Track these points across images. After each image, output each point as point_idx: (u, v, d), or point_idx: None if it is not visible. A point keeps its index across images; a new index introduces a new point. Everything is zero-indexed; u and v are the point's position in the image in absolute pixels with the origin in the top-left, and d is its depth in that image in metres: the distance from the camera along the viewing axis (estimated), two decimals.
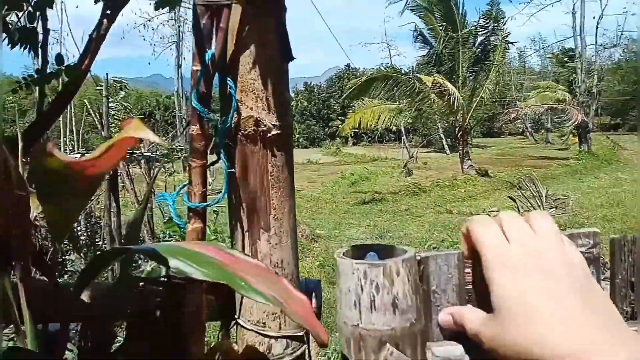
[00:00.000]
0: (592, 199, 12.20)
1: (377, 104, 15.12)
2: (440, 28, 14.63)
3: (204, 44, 0.68)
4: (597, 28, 22.87)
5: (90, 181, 0.50)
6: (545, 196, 13.09)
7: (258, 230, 0.71)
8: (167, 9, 1.04)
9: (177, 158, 13.18)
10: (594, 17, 22.94)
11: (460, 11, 14.44)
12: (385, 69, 15.20)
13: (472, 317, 0.50)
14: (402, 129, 39.22)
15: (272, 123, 0.73)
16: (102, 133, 5.72)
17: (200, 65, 0.69)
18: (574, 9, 20.30)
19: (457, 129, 16.05)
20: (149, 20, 30.40)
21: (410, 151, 39.44)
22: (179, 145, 14.20)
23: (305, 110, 62.16)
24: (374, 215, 11.98)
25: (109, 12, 0.87)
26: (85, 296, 0.64)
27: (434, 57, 15.80)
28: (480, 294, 0.54)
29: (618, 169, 18.29)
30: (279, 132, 0.73)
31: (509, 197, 5.49)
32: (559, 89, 23.62)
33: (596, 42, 23.61)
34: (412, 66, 15.95)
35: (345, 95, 15.53)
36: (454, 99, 14.03)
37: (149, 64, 48.98)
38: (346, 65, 50.14)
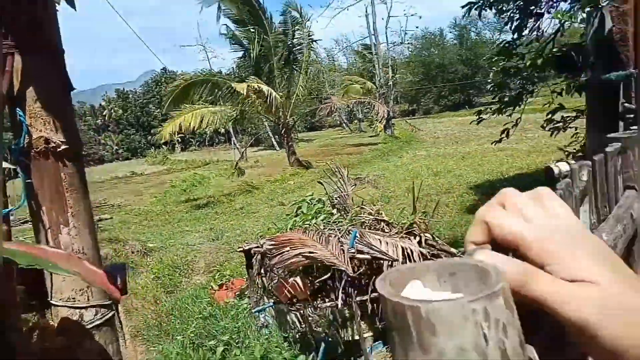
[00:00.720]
0: (397, 175, 14.36)
1: (198, 107, 15.05)
2: (252, 31, 15.26)
3: None
4: (386, 28, 26.79)
5: None
6: (347, 177, 14.99)
7: (58, 226, 0.89)
8: None
9: None
10: (382, 19, 26.85)
11: (267, 15, 15.30)
12: (203, 73, 15.19)
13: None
14: (231, 130, 39.52)
15: (61, 140, 0.92)
16: None
17: None
18: (366, 11, 23.37)
19: (280, 126, 17.00)
20: None
21: (241, 151, 39.98)
22: None
23: (121, 119, 57.34)
24: (210, 219, 12.01)
25: None
26: None
27: (250, 60, 16.37)
28: None
29: (416, 148, 21.74)
30: (67, 146, 0.93)
31: (318, 181, 6.29)
32: (366, 83, 26.77)
33: (387, 41, 27.66)
34: (233, 68, 16.29)
35: (165, 104, 15.01)
36: (272, 99, 14.83)
37: None
38: (162, 69, 47.75)
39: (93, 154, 54.76)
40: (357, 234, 3.31)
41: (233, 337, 3.92)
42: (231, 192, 15.18)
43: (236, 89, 14.38)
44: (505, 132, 5.61)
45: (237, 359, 3.59)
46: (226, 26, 16.18)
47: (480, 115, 5.54)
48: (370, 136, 36.27)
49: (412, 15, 27.75)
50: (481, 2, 5.05)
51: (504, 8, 4.90)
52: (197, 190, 18.87)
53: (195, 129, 15.12)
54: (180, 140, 56.02)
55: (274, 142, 40.79)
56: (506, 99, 5.32)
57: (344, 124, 49.05)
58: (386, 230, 3.58)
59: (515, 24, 5.02)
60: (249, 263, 4.22)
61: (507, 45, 5.39)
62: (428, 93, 48.77)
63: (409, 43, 39.18)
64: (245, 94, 14.16)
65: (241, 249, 4.22)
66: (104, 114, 58.30)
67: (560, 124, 5.22)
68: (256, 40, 15.24)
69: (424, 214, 4.11)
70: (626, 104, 1.49)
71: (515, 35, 5.11)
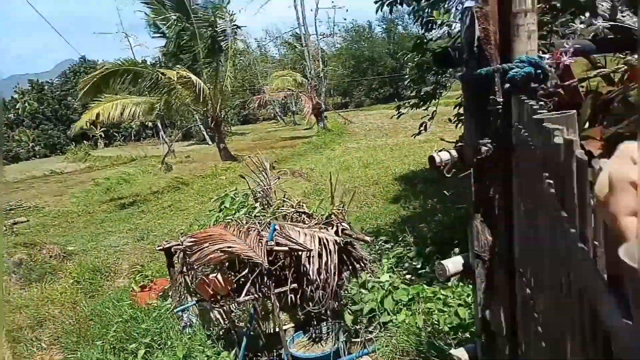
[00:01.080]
0: (329, 168, 14.58)
1: (119, 98, 14.27)
2: (174, 18, 14.63)
3: None
4: (315, 19, 26.87)
5: None
6: (293, 172, 15.10)
7: None
8: None
9: None
10: (311, 10, 26.90)
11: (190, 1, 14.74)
12: (124, 62, 14.41)
13: None
14: (159, 124, 37.94)
15: None
16: None
17: None
18: (294, 2, 23.34)
19: (210, 120, 16.61)
20: None
21: (169, 145, 38.54)
22: None
23: (37, 113, 52.96)
24: (135, 218, 11.53)
25: None
26: None
27: (173, 49, 15.72)
28: None
29: (348, 141, 22.20)
30: None
31: (240, 175, 6.32)
32: (296, 75, 26.80)
33: (317, 32, 27.82)
34: (158, 57, 15.53)
35: (79, 94, 14.06)
36: (200, 89, 14.44)
37: None
38: (81, 58, 44.74)
39: (7, 152, 50.21)
40: (277, 227, 3.36)
41: (155, 338, 3.83)
42: (159, 189, 14.64)
43: (167, 74, 13.80)
44: (423, 125, 5.90)
45: None
46: (145, 13, 15.42)
47: (400, 110, 5.78)
48: (305, 129, 36.42)
49: (339, 7, 27.95)
50: None
51: (414, 4, 5.14)
52: (122, 188, 17.98)
53: (115, 119, 14.36)
54: (103, 135, 52.92)
55: (206, 136, 39.75)
56: (422, 94, 5.59)
57: (279, 117, 48.86)
58: (307, 222, 3.67)
59: (425, 19, 5.29)
60: (170, 262, 4.12)
61: (418, 41, 5.65)
62: (359, 86, 49.84)
63: (338, 35, 39.70)
64: (175, 80, 13.66)
65: (160, 247, 4.11)
66: (16, 107, 53.53)
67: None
68: (175, 27, 14.64)
69: (341, 204, 4.25)
70: (492, 97, 1.66)
71: (423, 31, 5.37)
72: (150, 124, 52.10)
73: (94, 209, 14.44)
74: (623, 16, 2.13)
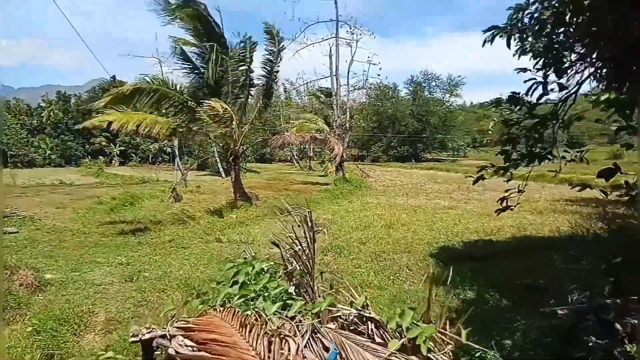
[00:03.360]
0: (348, 222, 13.15)
1: (139, 113, 13.25)
2: (207, 48, 13.79)
3: None
4: (348, 71, 26.34)
5: None
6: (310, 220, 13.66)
7: None
8: None
9: None
10: (346, 61, 26.42)
11: (224, 36, 13.96)
12: (153, 80, 13.45)
13: None
14: (176, 150, 37.12)
15: None
16: None
17: None
18: (330, 51, 22.84)
19: (229, 153, 15.45)
20: None
21: (183, 173, 37.53)
22: None
23: (60, 123, 52.69)
24: (130, 249, 10.06)
25: None
26: None
27: (202, 79, 14.80)
28: None
29: (366, 194, 20.86)
30: None
31: (272, 242, 4.71)
32: (319, 121, 25.90)
33: (348, 83, 27.28)
34: (187, 88, 14.52)
35: (103, 103, 13.02)
36: (227, 117, 13.35)
37: None
38: (112, 77, 44.84)
39: (23, 157, 49.54)
40: (338, 354, 1.96)
41: None
42: (163, 219, 13.23)
43: (212, 105, 12.81)
44: (505, 200, 4.45)
45: None
46: (175, 42, 14.56)
47: (482, 173, 4.37)
48: (320, 175, 35.36)
49: (373, 64, 27.56)
50: (508, 28, 4.05)
51: (537, 46, 3.89)
52: (126, 211, 16.63)
53: (128, 130, 13.24)
54: (119, 153, 52.28)
55: (220, 169, 38.82)
56: (513, 157, 4.22)
57: (294, 160, 48.02)
58: (375, 335, 2.24)
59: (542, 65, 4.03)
60: None
61: (513, 94, 4.42)
62: (378, 142, 49.15)
63: (369, 88, 39.36)
64: (221, 111, 12.67)
65: (135, 337, 2.60)
66: (42, 115, 53.41)
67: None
68: (212, 59, 13.78)
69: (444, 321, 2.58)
70: None
71: (540, 73, 4.08)
72: (168, 149, 51.54)
73: (91, 230, 13.03)
74: None
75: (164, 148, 52.65)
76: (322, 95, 25.23)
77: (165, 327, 2.47)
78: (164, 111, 13.88)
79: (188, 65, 14.28)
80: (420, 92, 49.00)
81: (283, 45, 15.21)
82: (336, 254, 9.31)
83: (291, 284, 2.91)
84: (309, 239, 3.09)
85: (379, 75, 29.22)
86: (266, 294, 2.64)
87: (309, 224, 3.05)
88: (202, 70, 14.32)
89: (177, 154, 36.15)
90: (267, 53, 15.33)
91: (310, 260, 2.95)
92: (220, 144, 16.29)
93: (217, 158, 38.93)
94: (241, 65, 14.75)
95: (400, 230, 11.85)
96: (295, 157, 47.82)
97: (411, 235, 11.10)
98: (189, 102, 13.64)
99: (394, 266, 7.80)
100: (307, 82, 33.95)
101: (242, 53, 14.86)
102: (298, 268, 2.96)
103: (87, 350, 4.58)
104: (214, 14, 13.71)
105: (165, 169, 46.33)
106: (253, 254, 3.60)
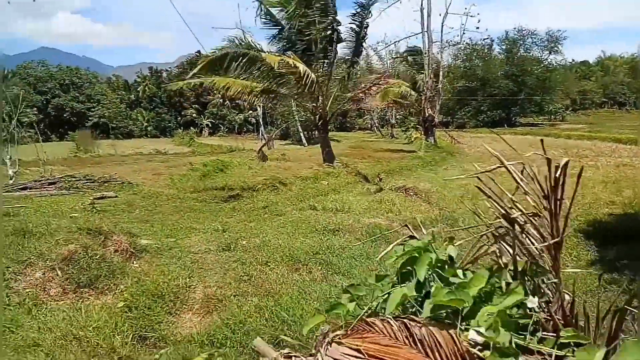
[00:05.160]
0: (451, 191, 11.57)
1: (231, 78, 12.59)
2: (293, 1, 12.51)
3: None
4: (442, 25, 23.62)
5: None
6: (406, 189, 12.25)
7: None
8: None
9: None
10: (439, 14, 23.65)
11: None
12: (240, 43, 12.63)
13: None
14: (260, 120, 37.20)
15: None
16: None
17: None
18: (422, 4, 20.48)
19: (317, 117, 14.35)
20: None
21: (269, 143, 37.59)
22: None
23: (154, 97, 55.53)
24: (225, 215, 9.47)
25: None
26: None
27: (288, 34, 13.59)
28: None
29: (461, 161, 18.88)
30: None
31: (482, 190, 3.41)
32: (403, 85, 23.81)
33: (442, 39, 24.50)
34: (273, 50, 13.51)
35: (196, 69, 12.49)
36: (309, 80, 12.15)
37: None
38: (197, 52, 45.72)
39: (123, 128, 53.18)
40: None
41: None
42: (254, 185, 12.62)
43: (267, 60, 11.74)
44: None
45: None
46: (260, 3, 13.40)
47: None
48: (404, 143, 33.37)
49: (471, 15, 24.08)
50: None
51: None
52: (217, 177, 16.43)
53: (219, 92, 12.68)
54: (210, 124, 54.03)
55: (302, 138, 38.33)
56: None
57: (375, 128, 46.12)
58: None
59: None
60: None
61: None
62: (465, 106, 45.38)
63: (466, 44, 35.56)
64: (277, 67, 11.51)
65: None
66: (138, 89, 56.67)
67: None
68: (293, 11, 12.45)
69: None
70: None
71: None
72: (253, 119, 52.22)
73: (185, 195, 12.82)
74: None
75: (249, 119, 53.49)
76: (409, 57, 22.96)
77: (312, 350, 1.38)
78: (251, 76, 13.04)
79: (274, 26, 13.20)
80: (515, 50, 44.02)
81: None
82: (446, 225, 7.92)
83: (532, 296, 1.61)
84: (555, 205, 1.66)
85: (477, 28, 25.63)
86: (489, 304, 1.44)
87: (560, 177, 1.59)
88: (288, 30, 13.15)
89: (261, 123, 36.14)
90: (356, 5, 13.70)
91: (555, 249, 1.64)
92: (308, 109, 15.24)
93: (299, 127, 38.45)
94: (324, 17, 13.15)
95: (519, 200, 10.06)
96: (377, 124, 45.87)
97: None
98: (267, 58, 12.61)
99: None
100: (394, 42, 31.16)
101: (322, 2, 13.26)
102: (524, 259, 1.69)
103: (183, 335, 3.77)
104: None
105: (250, 138, 47.06)
106: (427, 232, 2.33)
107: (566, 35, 43.87)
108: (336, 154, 21.75)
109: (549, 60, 44.60)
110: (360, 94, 14.77)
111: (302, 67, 11.44)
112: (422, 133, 21.59)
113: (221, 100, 52.08)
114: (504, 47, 45.37)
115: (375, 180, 13.43)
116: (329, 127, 44.60)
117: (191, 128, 51.70)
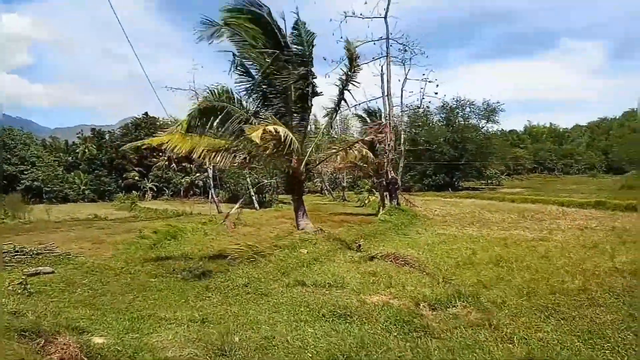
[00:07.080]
0: (442, 258, 10.52)
1: (198, 138, 11.02)
2: (264, 54, 11.59)
3: None
4: (402, 90, 24.07)
5: None
6: (395, 257, 11.01)
7: None
8: None
9: None
10: (399, 80, 24.11)
11: (282, 32, 11.64)
12: (221, 93, 11.29)
13: None
14: (211, 181, 35.13)
15: None
16: None
17: None
18: (382, 71, 20.76)
19: (290, 176, 13.05)
20: None
21: (219, 206, 35.35)
22: None
23: (95, 159, 51.67)
24: (196, 297, 7.58)
25: None
26: None
27: (258, 93, 12.53)
28: None
29: (429, 225, 18.19)
30: None
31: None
32: (363, 148, 23.47)
33: (402, 103, 24.89)
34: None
35: (184, 125, 10.69)
36: (289, 141, 10.98)
37: None
38: (144, 114, 43.83)
39: (58, 192, 48.43)
40: None
41: None
42: (218, 253, 10.80)
43: (248, 135, 10.25)
44: None
45: None
46: (233, 53, 12.39)
47: None
48: (356, 206, 32.67)
49: (430, 81, 24.57)
50: None
51: None
52: (170, 245, 14.29)
53: (182, 152, 10.97)
54: (154, 188, 50.73)
55: (254, 201, 36.63)
56: None
57: (326, 191, 45.52)
58: None
59: None
60: None
61: None
62: (410, 170, 46.38)
63: (427, 107, 36.45)
64: (258, 140, 10.02)
65: None
66: (77, 151, 52.66)
67: None
68: (263, 64, 11.48)
69: None
70: None
71: None
72: (200, 182, 49.81)
73: (135, 268, 10.67)
74: None
75: (196, 181, 51.06)
76: (367, 119, 22.82)
77: None
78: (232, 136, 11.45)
79: (247, 79, 12.12)
80: (453, 119, 46.53)
81: (358, 55, 12.80)
82: (468, 305, 6.66)
83: None
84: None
85: (436, 93, 26.11)
86: None
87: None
88: (262, 84, 12.12)
89: (212, 185, 34.12)
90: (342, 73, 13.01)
91: None
92: (280, 169, 13.92)
93: (250, 189, 36.85)
94: (301, 68, 12.15)
95: (515, 269, 9.13)
96: (327, 187, 45.36)
97: (534, 276, 8.40)
98: (248, 133, 11.21)
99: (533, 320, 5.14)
100: (354, 105, 31.25)
101: (298, 49, 12.30)
102: None
103: None
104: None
105: (197, 202, 44.43)
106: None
107: (504, 107, 47.29)
108: (293, 217, 20.39)
109: (486, 128, 47.54)
110: (335, 152, 13.79)
111: (282, 130, 10.27)
112: (386, 196, 20.87)
113: (167, 162, 49.54)
114: (443, 115, 47.90)
115: (354, 246, 12.13)
116: (279, 189, 43.01)
117: (133, 192, 48.17)
